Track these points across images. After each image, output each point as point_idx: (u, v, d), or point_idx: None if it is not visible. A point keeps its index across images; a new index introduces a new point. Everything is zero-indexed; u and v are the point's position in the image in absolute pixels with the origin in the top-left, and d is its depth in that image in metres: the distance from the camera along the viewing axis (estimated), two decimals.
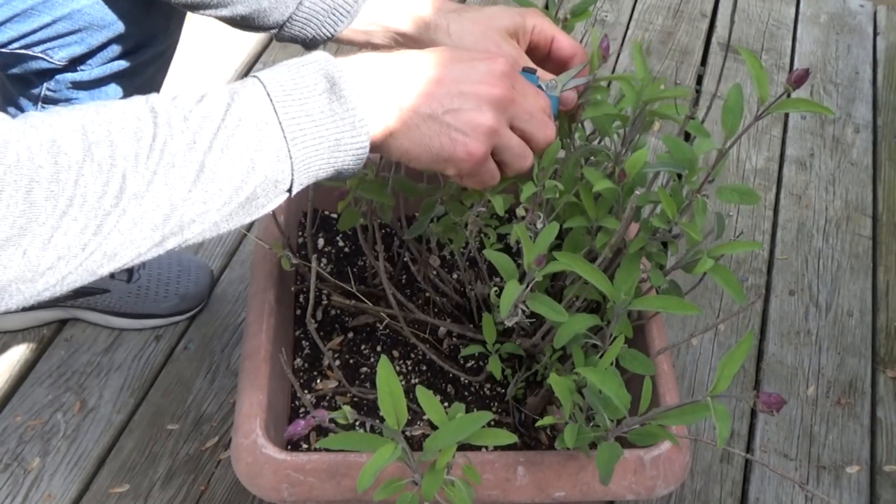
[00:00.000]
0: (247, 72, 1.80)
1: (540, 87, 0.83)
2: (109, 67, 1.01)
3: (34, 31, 0.92)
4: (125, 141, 0.60)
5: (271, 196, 0.67)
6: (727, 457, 1.28)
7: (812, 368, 1.42)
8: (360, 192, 0.89)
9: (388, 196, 0.90)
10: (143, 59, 1.03)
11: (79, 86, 1.02)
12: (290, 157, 0.65)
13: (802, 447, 1.32)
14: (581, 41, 0.91)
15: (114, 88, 1.04)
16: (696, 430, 1.31)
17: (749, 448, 1.31)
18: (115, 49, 0.99)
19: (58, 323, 1.33)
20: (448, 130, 0.72)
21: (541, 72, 0.84)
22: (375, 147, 0.71)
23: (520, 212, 0.88)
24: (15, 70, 0.99)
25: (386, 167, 0.94)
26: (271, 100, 0.65)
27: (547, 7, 0.98)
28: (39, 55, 0.96)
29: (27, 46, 0.94)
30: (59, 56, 0.97)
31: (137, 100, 0.64)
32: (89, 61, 0.99)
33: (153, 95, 0.65)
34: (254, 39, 1.87)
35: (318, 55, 0.68)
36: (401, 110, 0.70)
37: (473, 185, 0.78)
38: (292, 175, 0.66)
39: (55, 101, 1.03)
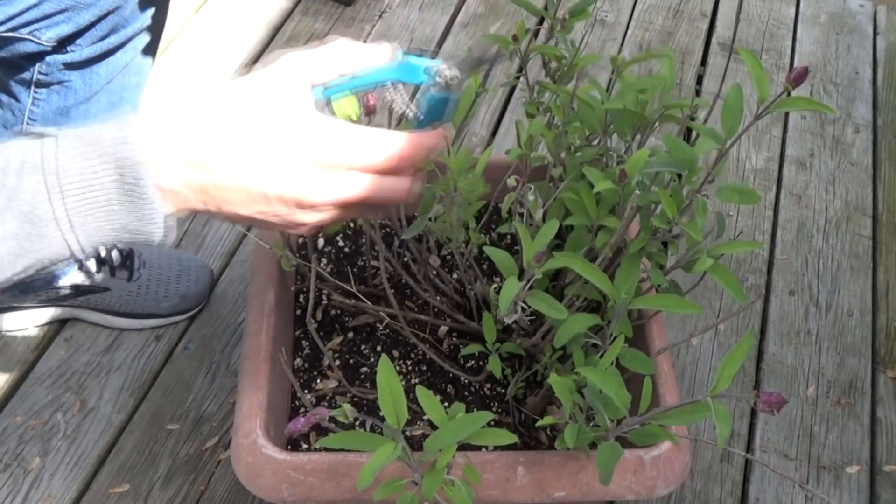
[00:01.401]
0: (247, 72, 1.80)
1: (435, 78, 0.68)
2: (100, 46, 1.00)
3: (21, 13, 0.92)
4: None
5: (47, 266, 0.63)
6: (727, 457, 1.28)
7: (812, 368, 1.42)
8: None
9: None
10: (130, 34, 1.02)
11: (70, 66, 1.01)
12: (68, 245, 0.61)
13: (802, 447, 1.32)
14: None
15: (105, 68, 1.04)
16: (696, 430, 1.31)
17: (749, 448, 1.31)
18: (104, 27, 0.98)
19: (58, 323, 1.33)
20: (266, 218, 0.67)
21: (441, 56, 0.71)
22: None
23: (510, 182, 0.88)
24: (2, 54, 0.98)
25: None
26: (49, 193, 0.60)
27: (546, 7, 0.98)
28: (27, 37, 0.95)
29: (14, 28, 0.93)
30: (47, 37, 0.96)
31: None
32: (79, 41, 0.99)
33: None
34: (254, 39, 1.87)
35: (117, 132, 0.62)
36: (205, 195, 0.65)
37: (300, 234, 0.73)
38: (70, 250, 0.62)
39: (47, 85, 1.03)
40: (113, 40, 1.01)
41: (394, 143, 0.67)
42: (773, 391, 0.68)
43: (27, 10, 0.91)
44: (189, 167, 0.64)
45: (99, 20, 0.97)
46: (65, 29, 0.95)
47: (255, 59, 1.83)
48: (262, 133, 0.66)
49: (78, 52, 1.00)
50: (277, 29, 1.90)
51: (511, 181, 0.87)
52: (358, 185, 0.67)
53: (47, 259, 0.62)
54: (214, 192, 0.65)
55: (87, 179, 0.61)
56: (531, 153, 0.87)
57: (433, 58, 0.68)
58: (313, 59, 0.70)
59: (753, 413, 1.34)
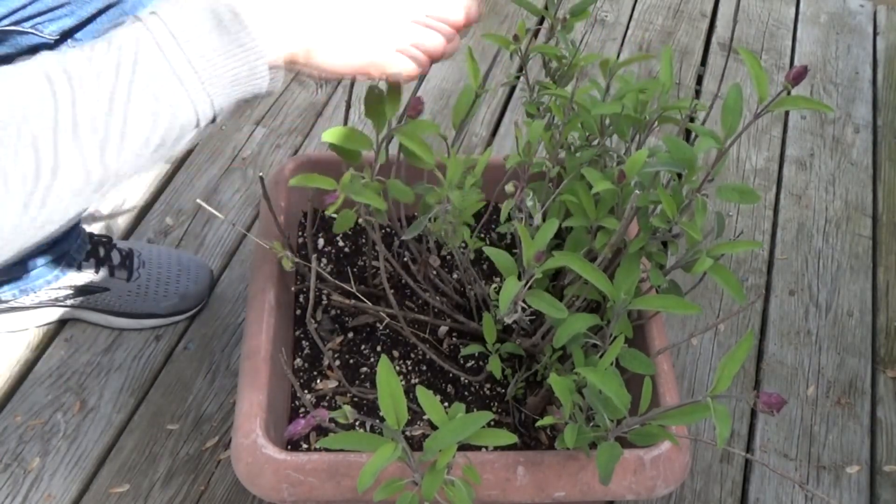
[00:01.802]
0: None
1: None
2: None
3: (24, 6, 0.92)
4: (33, 117, 0.61)
5: (180, 138, 0.68)
6: (727, 457, 1.28)
7: (812, 368, 1.42)
8: (355, 197, 0.89)
9: (381, 200, 0.89)
10: None
11: None
12: (192, 101, 0.66)
13: (802, 447, 1.32)
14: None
15: None
16: (696, 430, 1.31)
17: (749, 448, 1.31)
18: (105, 20, 0.98)
19: (58, 323, 1.33)
20: (354, 43, 0.74)
21: None
22: (281, 67, 0.72)
23: (509, 188, 0.88)
24: (5, 48, 0.98)
25: (382, 171, 0.94)
26: (161, 48, 0.65)
27: (546, 7, 0.98)
28: (30, 31, 0.95)
29: (17, 22, 0.93)
30: (50, 30, 0.96)
31: (33, 68, 0.64)
32: (79, 35, 0.99)
33: (48, 58, 0.64)
34: None
35: None
36: (303, 33, 0.71)
37: (400, 80, 0.81)
38: (197, 116, 0.67)
39: None
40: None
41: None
42: (772, 391, 0.68)
43: (30, 3, 0.92)
44: (281, 5, 0.70)
45: (100, 13, 0.97)
46: (67, 22, 0.96)
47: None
48: None
49: (79, 47, 1.00)
50: None
51: (509, 187, 0.87)
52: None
53: (177, 125, 0.66)
54: (308, 23, 0.71)
55: (188, 30, 0.65)
56: (530, 159, 0.87)
57: None
58: None
59: (753, 413, 1.34)
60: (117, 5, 0.97)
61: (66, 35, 0.98)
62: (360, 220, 0.99)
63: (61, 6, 0.94)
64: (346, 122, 0.91)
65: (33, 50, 0.99)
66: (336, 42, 0.73)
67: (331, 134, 0.86)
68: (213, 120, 0.69)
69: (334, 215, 1.22)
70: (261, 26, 0.68)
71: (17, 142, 0.60)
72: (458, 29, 0.82)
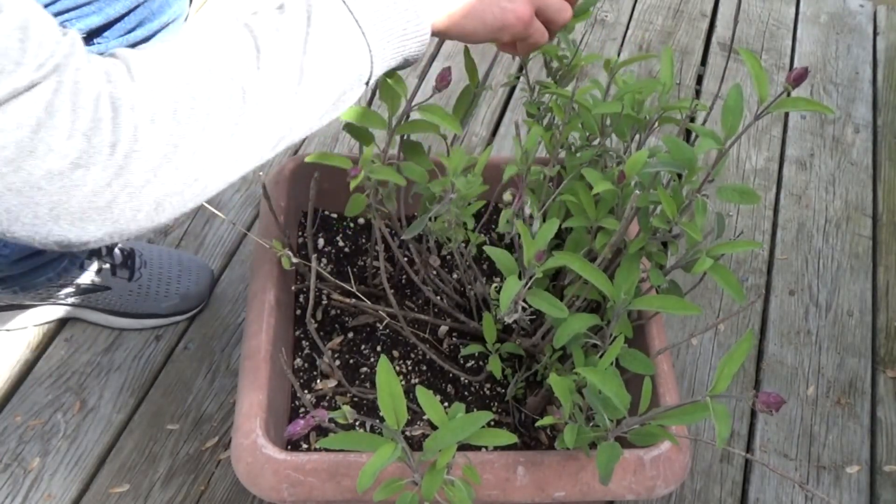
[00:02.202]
0: None
1: None
2: (126, 39, 1.00)
3: (52, 2, 0.92)
4: (236, 61, 0.68)
5: (356, 90, 0.75)
6: (727, 457, 1.28)
7: (812, 368, 1.42)
8: (372, 174, 0.89)
9: (399, 176, 0.90)
10: (157, 28, 1.03)
11: None
12: (370, 52, 0.73)
13: (802, 447, 1.32)
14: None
15: None
16: (696, 430, 1.31)
17: (749, 448, 1.31)
18: (132, 20, 0.99)
19: (58, 323, 1.33)
20: (497, 3, 0.80)
21: None
22: (436, 31, 0.78)
23: (506, 197, 0.88)
24: None
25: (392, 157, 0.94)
26: (344, 2, 0.72)
27: None
28: None
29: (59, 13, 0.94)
30: (78, 27, 0.95)
31: (232, 24, 0.71)
32: (106, 34, 0.99)
33: (242, 16, 0.71)
34: None
35: None
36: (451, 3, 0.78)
37: (527, 48, 0.86)
38: (372, 68, 0.74)
39: None
40: (139, 33, 1.01)
41: None
42: (771, 391, 0.68)
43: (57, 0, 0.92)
44: None
45: (129, 12, 0.97)
46: (95, 20, 0.96)
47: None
48: None
49: (104, 45, 1.00)
50: None
51: (507, 196, 0.87)
52: None
53: (355, 75, 0.73)
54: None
55: None
56: (528, 167, 0.88)
57: None
58: None
59: (753, 413, 1.34)
60: (144, 4, 0.97)
61: (93, 34, 0.98)
62: (368, 215, 0.98)
63: (89, 3, 0.94)
64: (369, 105, 0.92)
65: None
66: (474, 6, 0.79)
67: (348, 113, 0.87)
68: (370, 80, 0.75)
69: (334, 215, 1.22)
70: None
71: (227, 79, 0.67)
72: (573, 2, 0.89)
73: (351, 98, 0.75)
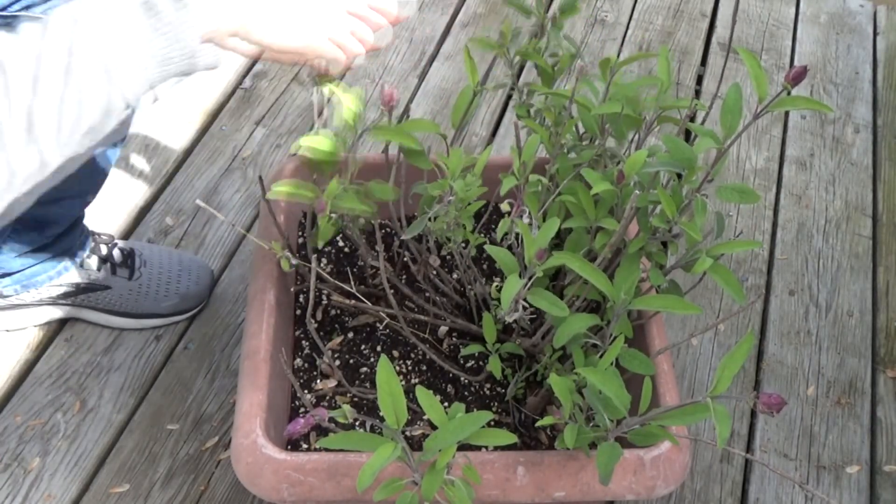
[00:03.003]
0: (247, 72, 1.80)
1: None
2: None
3: None
4: None
5: (113, 117, 0.68)
6: (727, 457, 1.28)
7: (812, 368, 1.42)
8: (336, 204, 0.89)
9: (364, 204, 0.90)
10: None
11: None
12: (120, 88, 0.67)
13: (802, 447, 1.32)
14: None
15: None
16: (696, 430, 1.31)
17: (749, 448, 1.31)
18: None
19: (58, 323, 1.33)
20: (291, 25, 0.78)
21: None
22: (218, 40, 0.73)
23: (504, 207, 0.88)
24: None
25: (382, 173, 0.94)
26: (88, 29, 0.66)
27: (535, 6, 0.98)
28: (40, 16, 0.94)
29: (27, 7, 0.92)
30: (41, 11, 0.95)
31: None
32: None
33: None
34: None
35: None
36: (242, 8, 0.74)
37: (329, 68, 0.85)
38: (126, 99, 0.68)
39: None
40: None
41: None
42: (772, 392, 0.68)
43: None
44: None
45: None
46: (57, 5, 0.94)
47: (255, 58, 1.83)
48: None
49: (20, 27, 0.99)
50: None
51: (505, 206, 0.87)
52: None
53: (103, 108, 0.66)
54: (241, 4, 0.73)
55: (114, 12, 0.67)
56: (526, 176, 0.87)
57: None
58: None
59: (753, 413, 1.34)
60: None
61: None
62: (348, 230, 0.98)
63: None
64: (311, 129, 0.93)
65: None
66: (274, 21, 0.76)
67: (299, 146, 0.88)
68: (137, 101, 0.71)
69: (334, 215, 1.22)
70: (189, 5, 0.69)
71: None
72: (394, 23, 0.86)
73: (108, 125, 0.69)
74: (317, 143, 0.87)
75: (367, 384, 1.06)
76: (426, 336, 1.09)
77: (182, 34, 0.69)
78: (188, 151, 1.61)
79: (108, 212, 1.47)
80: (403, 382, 1.05)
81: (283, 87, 1.77)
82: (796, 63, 2.00)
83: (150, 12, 0.67)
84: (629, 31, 2.01)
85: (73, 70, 0.65)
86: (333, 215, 0.92)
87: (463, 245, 0.97)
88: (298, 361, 1.07)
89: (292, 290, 1.11)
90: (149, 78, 0.69)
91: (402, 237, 1.00)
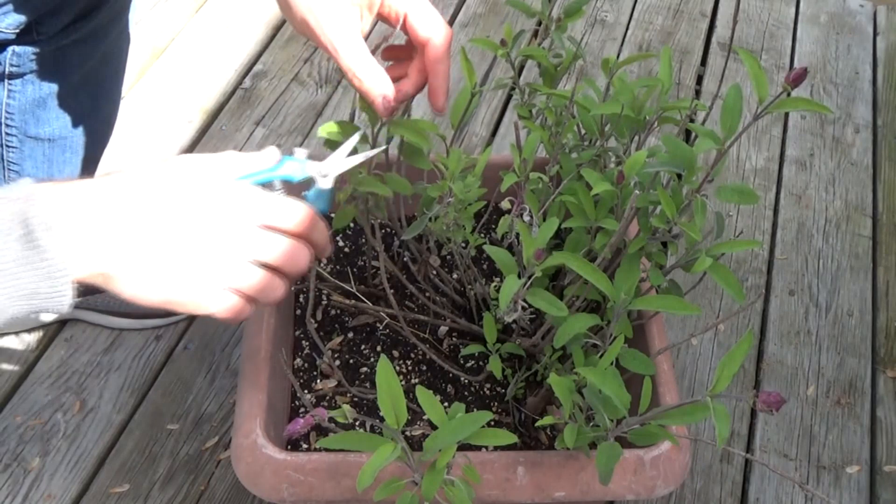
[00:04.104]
0: (247, 72, 1.80)
1: (311, 178, 0.78)
2: (67, 34, 0.99)
3: None
4: None
5: None
6: (727, 457, 1.28)
7: (812, 368, 1.42)
8: (358, 187, 0.89)
9: (384, 187, 0.89)
10: (99, 22, 1.01)
11: (42, 56, 1.00)
12: None
13: (802, 447, 1.32)
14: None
15: (78, 56, 1.03)
16: (696, 430, 1.31)
17: (749, 448, 1.31)
18: (68, 14, 0.97)
19: (58, 323, 1.33)
20: (174, 282, 0.66)
21: (310, 155, 0.79)
22: (92, 284, 0.65)
23: (504, 204, 0.88)
24: None
25: (380, 166, 0.94)
26: None
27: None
28: None
29: None
30: (6, 24, 0.94)
31: None
32: (44, 30, 0.98)
33: None
34: (254, 39, 1.87)
35: (21, 191, 0.60)
36: (118, 257, 0.64)
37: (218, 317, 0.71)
38: None
39: (21, 76, 1.02)
40: (80, 27, 1.00)
41: (303, 208, 0.71)
42: (772, 391, 0.68)
43: None
44: (99, 223, 0.62)
45: (61, 6, 0.96)
46: (22, 15, 0.94)
47: (256, 59, 1.83)
48: (176, 198, 0.66)
49: (46, 41, 0.99)
50: (277, 29, 1.90)
51: (505, 204, 0.87)
52: (269, 242, 0.68)
53: None
54: (123, 249, 0.63)
55: None
56: (527, 174, 0.88)
57: (309, 157, 0.78)
58: (211, 162, 0.71)
59: (753, 413, 1.34)
60: None
61: (28, 31, 0.97)
62: (358, 218, 0.99)
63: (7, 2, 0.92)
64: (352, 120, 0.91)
65: None
66: (143, 270, 0.65)
67: (325, 128, 0.86)
68: None
69: (333, 215, 1.22)
70: (69, 242, 0.61)
71: None
72: (319, 250, 0.73)
73: None
74: (339, 128, 0.86)
75: (367, 384, 1.06)
76: (426, 336, 1.09)
77: (56, 274, 0.60)
78: (188, 151, 1.61)
79: None
80: (403, 382, 1.05)
81: (284, 87, 1.77)
82: (796, 63, 2.00)
83: (28, 242, 0.59)
84: (629, 31, 2.01)
85: None
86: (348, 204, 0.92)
87: (463, 245, 0.97)
88: (298, 361, 1.07)
89: (292, 289, 1.11)
90: (11, 308, 0.60)
91: (402, 237, 1.00)
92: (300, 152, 0.78)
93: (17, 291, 0.60)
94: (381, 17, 0.83)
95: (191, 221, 0.66)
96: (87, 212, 0.62)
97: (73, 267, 0.61)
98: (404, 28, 0.82)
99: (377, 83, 0.79)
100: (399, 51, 0.86)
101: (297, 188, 0.77)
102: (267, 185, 0.75)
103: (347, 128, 0.86)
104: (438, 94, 0.83)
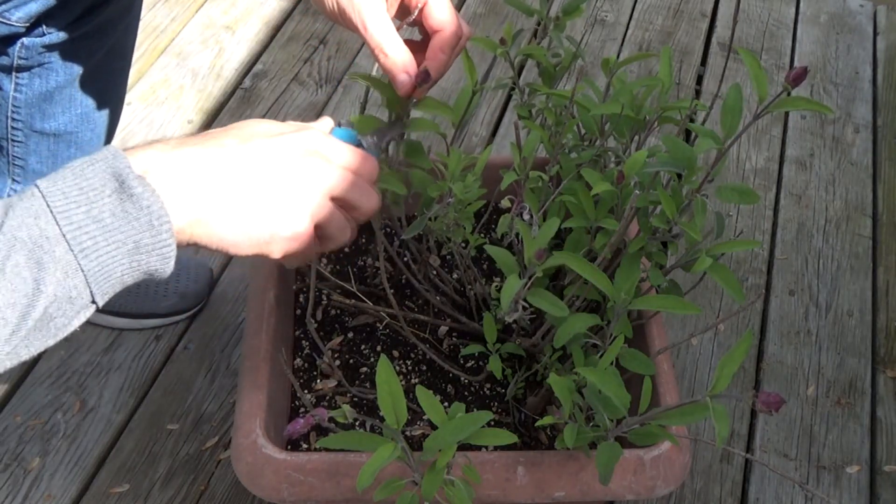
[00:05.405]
0: (247, 72, 1.80)
1: (360, 143, 0.80)
2: (76, 27, 1.00)
3: None
4: None
5: (71, 314, 0.60)
6: (727, 457, 1.28)
7: (812, 368, 1.42)
8: (380, 183, 0.88)
9: (402, 185, 0.89)
10: (108, 16, 1.02)
11: (50, 49, 1.01)
12: (82, 270, 0.58)
13: (802, 447, 1.32)
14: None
15: (86, 50, 1.04)
16: (696, 430, 1.31)
17: (749, 448, 1.31)
18: (77, 7, 0.98)
19: None
20: (265, 215, 0.67)
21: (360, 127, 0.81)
22: (186, 240, 0.65)
23: (505, 203, 0.88)
24: None
25: (398, 162, 0.94)
26: (51, 210, 0.58)
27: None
28: None
29: None
30: (17, 17, 0.95)
31: None
32: (53, 23, 0.98)
33: None
34: (254, 39, 1.87)
35: (107, 151, 0.61)
36: (209, 200, 0.65)
37: (293, 262, 0.73)
38: (89, 288, 0.59)
39: (29, 69, 1.03)
40: (89, 20, 1.00)
41: (367, 156, 0.76)
42: (771, 391, 0.68)
43: None
44: (186, 171, 0.64)
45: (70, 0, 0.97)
46: (34, 8, 0.95)
47: (256, 58, 1.83)
48: (252, 138, 0.69)
49: (55, 34, 0.99)
50: (277, 29, 1.90)
51: (506, 202, 0.87)
52: (344, 177, 0.72)
53: (63, 298, 0.58)
54: (214, 191, 0.65)
55: (84, 193, 0.59)
56: (527, 172, 0.87)
57: (353, 129, 0.81)
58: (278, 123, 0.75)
59: (753, 413, 1.34)
60: None
61: (38, 23, 0.97)
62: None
63: None
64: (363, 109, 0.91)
65: (5, 40, 0.99)
66: (234, 210, 0.66)
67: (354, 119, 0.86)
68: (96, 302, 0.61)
69: None
70: (159, 191, 0.61)
71: None
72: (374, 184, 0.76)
73: (67, 323, 0.60)
74: (364, 121, 0.86)
75: (367, 384, 1.06)
76: (426, 336, 1.09)
77: (157, 221, 0.61)
78: None
79: None
80: (403, 382, 1.05)
81: (284, 87, 1.77)
82: (796, 63, 2.00)
83: (124, 195, 0.60)
84: (629, 31, 2.01)
85: (40, 262, 0.57)
86: None
87: (463, 245, 0.97)
88: (298, 361, 1.07)
89: (293, 289, 1.11)
90: (117, 268, 0.60)
91: (402, 237, 1.00)
92: (347, 123, 0.81)
93: (120, 248, 0.59)
94: (403, 3, 0.86)
95: (272, 162, 0.68)
96: (175, 162, 0.64)
97: (170, 214, 0.61)
98: (420, 17, 0.85)
99: (402, 59, 0.82)
100: (413, 45, 0.88)
101: None
102: None
103: (369, 120, 0.86)
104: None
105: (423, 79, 0.81)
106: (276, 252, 0.69)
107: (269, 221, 0.67)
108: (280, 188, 0.68)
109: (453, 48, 0.84)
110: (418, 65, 0.83)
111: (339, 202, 0.72)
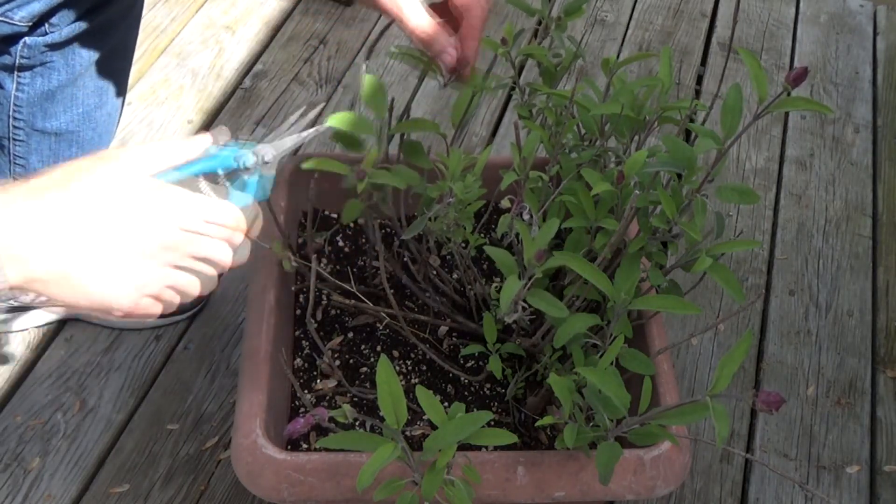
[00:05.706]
0: (247, 72, 1.80)
1: (244, 164, 0.75)
2: (78, 26, 1.00)
3: None
4: None
5: None
6: (727, 457, 1.28)
7: (812, 368, 1.42)
8: (370, 178, 0.88)
9: (399, 179, 0.89)
10: (110, 15, 1.02)
11: (53, 48, 1.01)
12: None
13: (802, 447, 1.32)
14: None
15: (87, 49, 1.04)
16: (696, 430, 1.31)
17: (749, 448, 1.31)
18: (80, 6, 0.98)
19: (58, 323, 1.33)
20: (97, 287, 0.67)
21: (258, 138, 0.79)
22: (27, 290, 0.66)
23: (505, 203, 0.88)
24: None
25: (386, 159, 0.94)
26: None
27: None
28: (0, 19, 0.95)
29: None
30: (20, 16, 0.95)
31: None
32: (56, 22, 0.98)
33: None
34: (254, 39, 1.87)
35: None
36: (46, 263, 0.65)
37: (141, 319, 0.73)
38: None
39: (30, 68, 1.03)
40: (91, 19, 1.00)
41: (232, 209, 0.74)
42: (771, 391, 0.68)
43: None
44: (31, 230, 0.63)
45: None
46: (36, 7, 0.95)
47: (256, 58, 1.83)
48: (104, 204, 0.67)
49: (57, 34, 1.00)
50: (277, 29, 1.90)
51: (505, 202, 0.87)
52: (187, 241, 0.71)
53: None
54: (55, 253, 0.64)
55: None
56: (527, 172, 0.88)
57: (246, 143, 0.76)
58: (139, 155, 0.72)
59: (753, 413, 1.34)
60: None
61: (39, 23, 0.97)
62: (361, 219, 0.99)
63: None
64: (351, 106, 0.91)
65: (8, 39, 0.99)
66: (72, 278, 0.66)
67: (337, 119, 0.86)
68: None
69: (334, 215, 1.22)
70: (5, 245, 0.62)
71: None
72: (246, 234, 0.77)
73: None
74: (351, 120, 0.86)
75: (367, 384, 1.06)
76: (426, 336, 1.09)
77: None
78: None
79: None
80: (403, 382, 1.05)
81: (284, 87, 1.77)
82: (796, 63, 2.00)
83: None
84: (629, 31, 2.01)
85: None
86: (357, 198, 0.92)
87: (463, 245, 0.97)
88: (298, 361, 1.07)
89: (293, 289, 1.11)
90: None
91: (402, 237, 1.00)
92: (224, 131, 0.76)
93: None
94: None
95: (110, 229, 0.67)
96: (15, 218, 0.63)
97: (5, 270, 0.62)
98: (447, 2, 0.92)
99: (442, 39, 0.89)
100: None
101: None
102: (209, 175, 0.74)
103: (360, 121, 0.87)
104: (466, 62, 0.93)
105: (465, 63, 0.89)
106: (117, 315, 0.70)
107: (101, 294, 0.67)
108: (113, 260, 0.67)
109: (484, 23, 0.92)
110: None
111: (191, 260, 0.72)
